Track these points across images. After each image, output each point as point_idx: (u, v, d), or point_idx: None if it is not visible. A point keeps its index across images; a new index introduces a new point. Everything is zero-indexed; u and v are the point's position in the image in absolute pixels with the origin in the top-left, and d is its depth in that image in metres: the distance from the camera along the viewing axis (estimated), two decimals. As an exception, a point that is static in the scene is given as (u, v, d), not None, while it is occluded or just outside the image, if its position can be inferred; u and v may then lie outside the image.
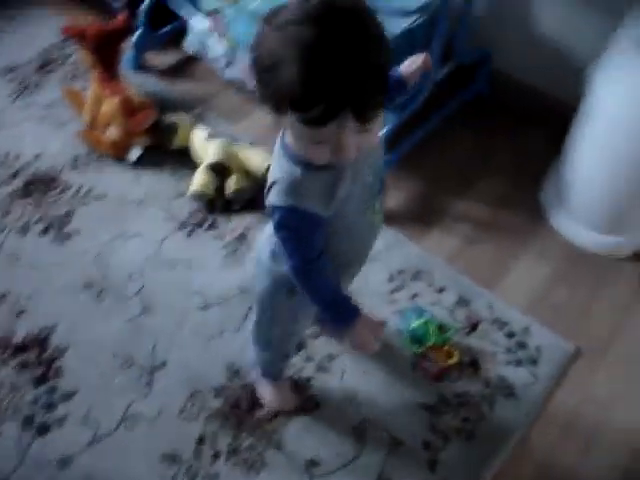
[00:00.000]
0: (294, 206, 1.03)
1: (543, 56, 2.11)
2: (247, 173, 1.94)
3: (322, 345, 1.67)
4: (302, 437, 1.52)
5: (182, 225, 1.88)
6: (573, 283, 1.86)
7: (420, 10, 1.73)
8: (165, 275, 1.78)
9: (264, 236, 1.26)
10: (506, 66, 2.17)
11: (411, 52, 1.89)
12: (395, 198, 1.99)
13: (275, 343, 1.46)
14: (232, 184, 1.90)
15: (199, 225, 1.88)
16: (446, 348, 1.67)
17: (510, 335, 1.73)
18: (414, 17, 1.78)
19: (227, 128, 2.12)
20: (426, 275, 1.83)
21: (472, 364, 1.66)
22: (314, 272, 1.12)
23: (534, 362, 1.67)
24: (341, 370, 1.63)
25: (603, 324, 1.78)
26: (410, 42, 1.97)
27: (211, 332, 1.68)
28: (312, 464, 1.48)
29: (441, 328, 1.70)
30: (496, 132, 2.21)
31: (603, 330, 1.76)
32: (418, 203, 2.01)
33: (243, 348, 1.62)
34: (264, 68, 0.90)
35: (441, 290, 1.80)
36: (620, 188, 1.82)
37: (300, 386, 1.60)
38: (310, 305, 1.22)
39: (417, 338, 1.69)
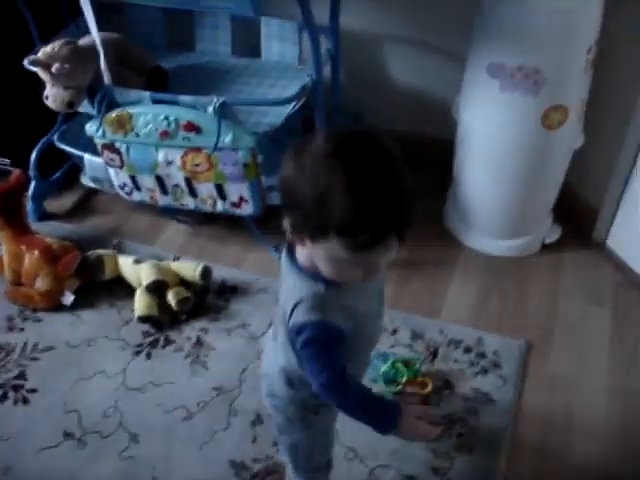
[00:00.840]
0: (323, 321, 1.04)
1: (410, 103, 2.36)
2: (183, 283, 2.02)
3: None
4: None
5: (138, 349, 1.91)
6: (501, 288, 2.06)
7: (297, 96, 1.90)
8: (139, 401, 1.80)
9: (271, 372, 1.26)
10: (379, 121, 2.35)
11: (292, 134, 2.12)
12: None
13: (318, 461, 1.44)
14: (174, 298, 1.96)
15: (154, 345, 1.92)
16: (419, 379, 1.80)
17: (468, 350, 1.88)
18: (293, 104, 1.93)
19: (147, 249, 2.19)
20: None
21: (446, 386, 1.80)
22: (346, 384, 1.10)
23: (497, 366, 1.84)
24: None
25: (539, 314, 1.98)
26: (290, 125, 2.17)
27: (203, 438, 1.71)
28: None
29: (408, 363, 1.83)
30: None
31: (541, 319, 1.97)
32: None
33: (237, 440, 1.68)
34: (309, 199, 0.93)
35: (395, 331, 1.93)
36: (508, 195, 2.04)
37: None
38: (335, 410, 1.26)
39: (390, 379, 1.80)
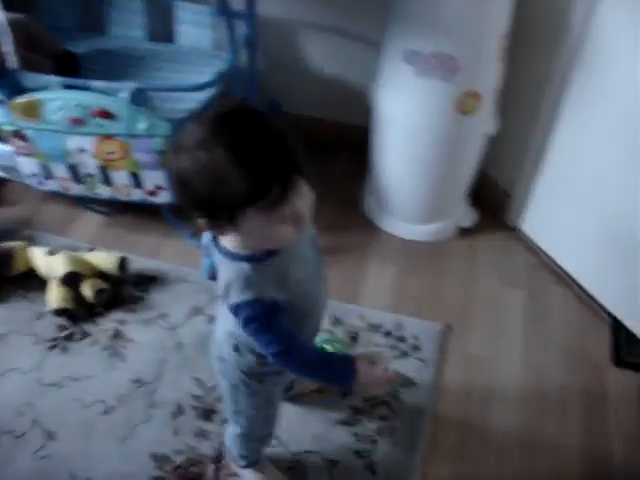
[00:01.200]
0: (255, 298, 1.07)
1: (327, 90, 2.37)
2: (100, 274, 1.97)
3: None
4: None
5: (53, 344, 1.85)
6: (419, 272, 2.10)
7: (214, 82, 1.88)
8: (55, 397, 1.74)
9: (220, 336, 1.28)
10: (297, 107, 2.38)
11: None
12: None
13: (258, 429, 1.47)
14: (90, 289, 1.91)
15: (70, 338, 1.87)
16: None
17: (387, 334, 1.91)
18: (210, 89, 1.91)
19: (60, 240, 2.11)
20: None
21: (368, 370, 1.83)
22: (296, 350, 1.15)
23: (417, 349, 1.87)
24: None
25: (456, 297, 2.03)
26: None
27: (123, 432, 1.68)
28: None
29: (334, 346, 1.83)
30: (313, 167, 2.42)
31: (458, 302, 2.02)
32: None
33: (158, 433, 1.66)
34: (208, 187, 0.95)
35: (316, 317, 1.95)
36: (423, 180, 2.08)
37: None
38: (280, 383, 1.30)
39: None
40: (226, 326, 1.25)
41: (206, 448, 1.65)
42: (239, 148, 0.94)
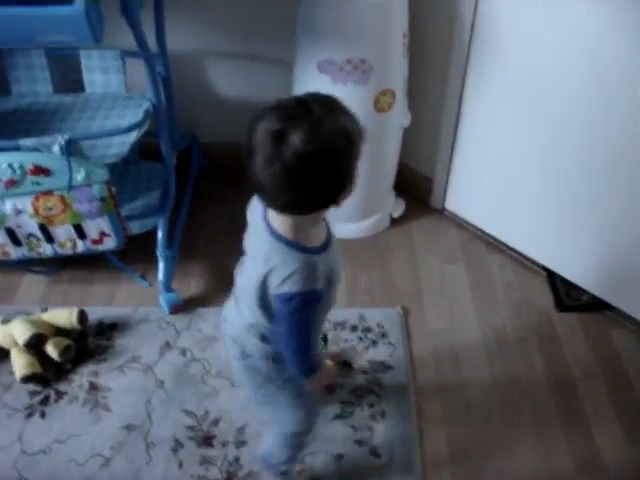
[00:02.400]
0: (311, 290, 1.13)
1: (245, 114, 2.38)
2: (60, 332, 1.93)
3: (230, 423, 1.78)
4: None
5: (29, 412, 1.80)
6: (366, 266, 2.21)
7: (143, 121, 1.90)
8: (47, 463, 1.69)
9: (239, 333, 1.31)
10: (218, 136, 2.45)
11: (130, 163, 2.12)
12: (197, 284, 2.15)
13: (304, 421, 1.48)
14: (54, 349, 1.87)
15: (45, 402, 1.82)
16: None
17: (354, 328, 2.01)
18: (137, 131, 1.93)
19: (7, 308, 2.04)
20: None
21: (345, 365, 1.91)
22: (311, 348, 1.26)
23: (384, 335, 1.98)
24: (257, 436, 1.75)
25: (405, 281, 2.16)
26: (135, 152, 2.17)
27: (128, 479, 1.66)
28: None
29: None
30: (233, 196, 2.45)
31: (408, 284, 2.15)
32: (219, 277, 2.17)
33: (164, 470, 1.67)
34: (350, 157, 1.06)
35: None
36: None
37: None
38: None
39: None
40: (244, 321, 1.28)
41: (215, 473, 1.67)
42: (350, 130, 1.04)
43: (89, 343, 1.96)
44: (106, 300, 2.09)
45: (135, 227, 2.04)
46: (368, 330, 2.01)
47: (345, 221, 2.30)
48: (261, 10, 2.19)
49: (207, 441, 1.73)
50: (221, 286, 2.12)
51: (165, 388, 1.85)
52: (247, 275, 1.24)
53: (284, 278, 1.12)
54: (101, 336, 1.98)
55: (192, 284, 2.13)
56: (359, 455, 1.71)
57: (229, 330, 1.36)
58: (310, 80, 1.98)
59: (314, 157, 1.00)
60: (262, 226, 1.16)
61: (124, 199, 2.03)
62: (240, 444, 1.72)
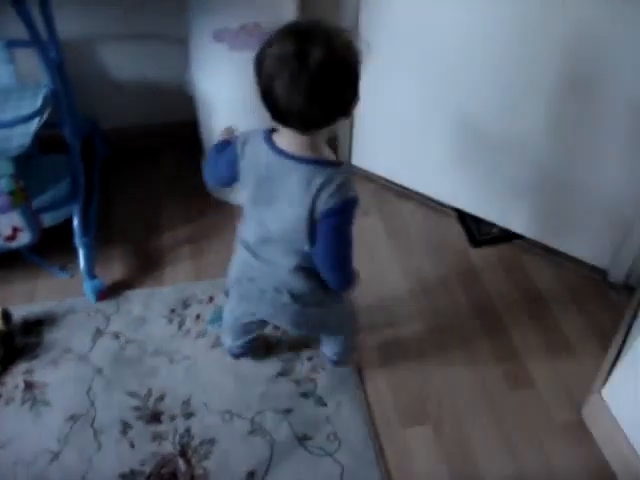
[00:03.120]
0: (357, 195, 1.28)
1: (145, 97, 2.42)
2: (-16, 335, 1.88)
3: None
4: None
5: (-36, 419, 1.75)
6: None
7: (42, 109, 1.85)
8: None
9: (286, 276, 1.40)
10: (120, 121, 2.44)
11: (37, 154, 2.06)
12: (119, 268, 2.12)
13: (355, 316, 1.76)
14: (-20, 353, 1.82)
15: (-20, 407, 1.78)
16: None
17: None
18: (38, 118, 1.88)
19: None
20: (191, 299, 2.03)
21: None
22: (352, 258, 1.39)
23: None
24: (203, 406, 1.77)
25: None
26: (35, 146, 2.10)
27: (82, 469, 1.63)
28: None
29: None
30: (143, 177, 2.47)
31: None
32: (140, 258, 2.16)
33: (116, 454, 1.66)
34: (355, 85, 1.20)
35: (211, 299, 2.03)
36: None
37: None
38: None
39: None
40: (285, 268, 1.39)
41: (168, 447, 1.68)
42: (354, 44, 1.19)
43: (17, 342, 1.91)
44: (27, 297, 2.03)
45: (48, 219, 1.99)
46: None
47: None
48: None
49: (155, 418, 1.73)
50: (144, 266, 2.13)
51: (104, 374, 1.83)
52: (282, 219, 1.32)
53: (334, 191, 1.24)
54: (28, 334, 1.93)
55: (115, 269, 2.11)
56: (306, 407, 1.76)
57: (263, 285, 1.45)
58: (207, 51, 1.99)
59: (336, 66, 1.14)
60: (283, 165, 1.26)
61: (32, 193, 1.95)
62: (188, 416, 1.73)
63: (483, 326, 1.97)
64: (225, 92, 2.07)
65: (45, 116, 1.89)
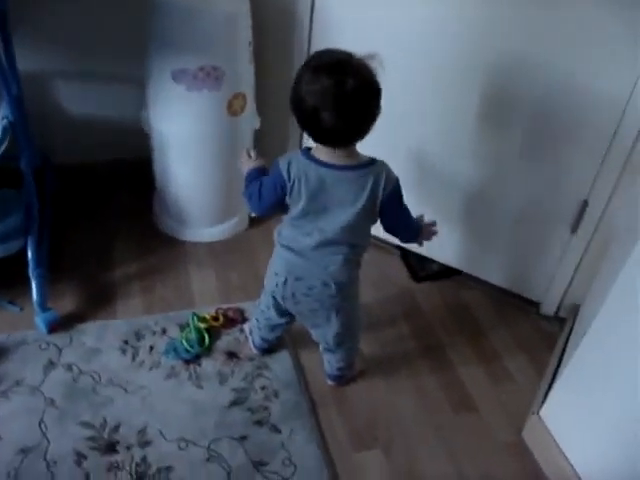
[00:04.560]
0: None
1: (101, 132, 2.46)
2: None
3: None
4: None
5: None
6: (234, 265, 2.34)
7: (1, 140, 1.86)
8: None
9: (338, 268, 1.62)
10: (75, 156, 2.48)
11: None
12: (71, 301, 2.12)
13: (361, 321, 1.89)
14: None
15: None
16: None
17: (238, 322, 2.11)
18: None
19: None
20: (144, 330, 2.05)
21: (232, 356, 1.99)
22: None
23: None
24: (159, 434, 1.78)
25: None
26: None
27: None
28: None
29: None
30: (94, 213, 2.50)
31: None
32: (92, 292, 2.17)
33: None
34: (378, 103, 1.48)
35: (164, 331, 2.05)
36: (210, 184, 2.32)
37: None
38: None
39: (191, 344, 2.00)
40: (338, 262, 1.61)
41: (124, 477, 1.67)
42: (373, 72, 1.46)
43: (-34, 376, 1.88)
44: (-25, 331, 2.01)
45: (1, 251, 1.99)
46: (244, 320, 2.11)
47: (207, 226, 2.41)
48: (99, 28, 2.25)
49: (111, 447, 1.73)
50: (96, 300, 2.14)
51: (56, 405, 1.82)
52: (338, 220, 1.56)
53: (387, 178, 1.55)
54: (-23, 367, 1.91)
55: (66, 302, 2.10)
56: (261, 434, 1.80)
57: (311, 282, 1.65)
58: (165, 90, 2.07)
59: (366, 89, 1.43)
60: (333, 175, 1.53)
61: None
62: (144, 444, 1.74)
63: (427, 356, 2.07)
64: (181, 131, 2.15)
65: (3, 146, 1.91)
